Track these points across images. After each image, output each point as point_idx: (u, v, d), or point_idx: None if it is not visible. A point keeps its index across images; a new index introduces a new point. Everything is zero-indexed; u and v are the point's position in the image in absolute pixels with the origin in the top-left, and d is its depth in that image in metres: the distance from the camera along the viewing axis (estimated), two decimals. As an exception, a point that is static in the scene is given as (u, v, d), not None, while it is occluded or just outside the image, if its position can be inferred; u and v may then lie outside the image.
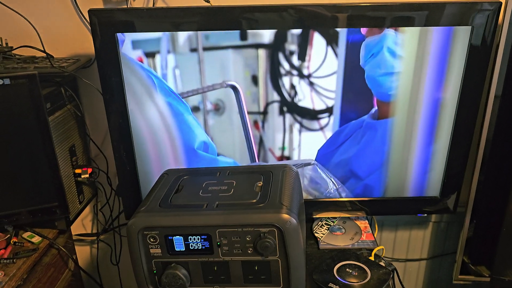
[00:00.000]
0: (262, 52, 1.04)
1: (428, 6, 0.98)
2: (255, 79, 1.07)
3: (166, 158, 1.12)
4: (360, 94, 1.07)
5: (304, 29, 1.01)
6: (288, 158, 1.15)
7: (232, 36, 1.03)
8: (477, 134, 1.13)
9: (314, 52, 1.04)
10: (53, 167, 1.06)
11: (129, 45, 1.02)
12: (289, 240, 0.80)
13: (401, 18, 0.99)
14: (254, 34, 1.02)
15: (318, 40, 1.03)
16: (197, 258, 0.84)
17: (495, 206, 1.15)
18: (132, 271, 0.86)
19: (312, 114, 1.10)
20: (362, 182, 1.16)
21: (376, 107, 1.08)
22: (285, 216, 0.79)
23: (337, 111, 1.09)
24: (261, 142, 1.14)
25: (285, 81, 1.07)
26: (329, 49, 1.04)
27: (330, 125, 1.11)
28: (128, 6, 1.17)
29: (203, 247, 0.83)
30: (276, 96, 1.09)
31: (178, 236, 0.82)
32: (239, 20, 0.99)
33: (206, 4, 1.12)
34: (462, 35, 1.00)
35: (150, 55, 1.05)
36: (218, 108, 1.10)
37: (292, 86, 1.08)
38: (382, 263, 1.05)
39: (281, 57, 1.05)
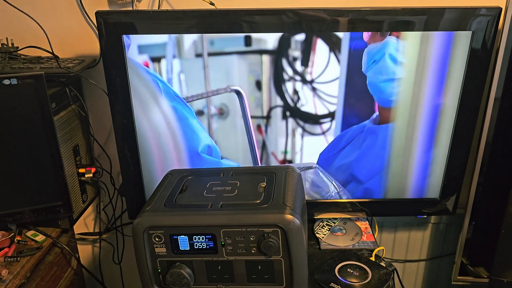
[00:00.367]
0: (266, 58, 1.05)
1: (429, 11, 0.99)
2: (259, 84, 1.08)
3: (170, 161, 1.13)
4: (361, 100, 1.08)
5: (307, 33, 1.02)
6: (290, 161, 1.16)
7: (236, 42, 1.04)
8: (477, 136, 1.14)
9: (317, 59, 1.05)
10: (57, 166, 1.07)
11: (135, 49, 1.03)
12: (293, 240, 0.80)
13: (401, 23, 1.00)
14: (259, 40, 1.03)
15: (321, 47, 1.04)
16: (202, 258, 0.85)
17: (494, 208, 1.16)
18: (133, 270, 0.87)
19: (314, 119, 1.12)
20: (363, 185, 1.17)
21: (377, 113, 1.09)
22: (289, 216, 0.80)
23: (339, 116, 1.11)
24: (264, 146, 1.15)
25: (288, 86, 1.08)
26: (332, 55, 1.05)
27: (332, 129, 1.12)
28: (134, 9, 1.18)
29: (208, 247, 0.83)
30: (279, 101, 1.10)
31: (183, 236, 0.83)
32: (243, 24, 1.00)
33: (211, 7, 1.13)
34: (463, 40, 1.01)
35: (156, 60, 1.05)
36: (222, 112, 1.11)
37: (295, 91, 1.09)
38: (382, 264, 1.06)
39: (284, 63, 1.06)
